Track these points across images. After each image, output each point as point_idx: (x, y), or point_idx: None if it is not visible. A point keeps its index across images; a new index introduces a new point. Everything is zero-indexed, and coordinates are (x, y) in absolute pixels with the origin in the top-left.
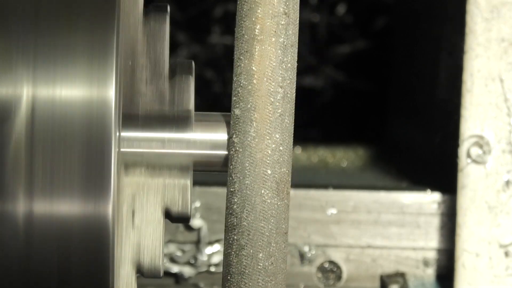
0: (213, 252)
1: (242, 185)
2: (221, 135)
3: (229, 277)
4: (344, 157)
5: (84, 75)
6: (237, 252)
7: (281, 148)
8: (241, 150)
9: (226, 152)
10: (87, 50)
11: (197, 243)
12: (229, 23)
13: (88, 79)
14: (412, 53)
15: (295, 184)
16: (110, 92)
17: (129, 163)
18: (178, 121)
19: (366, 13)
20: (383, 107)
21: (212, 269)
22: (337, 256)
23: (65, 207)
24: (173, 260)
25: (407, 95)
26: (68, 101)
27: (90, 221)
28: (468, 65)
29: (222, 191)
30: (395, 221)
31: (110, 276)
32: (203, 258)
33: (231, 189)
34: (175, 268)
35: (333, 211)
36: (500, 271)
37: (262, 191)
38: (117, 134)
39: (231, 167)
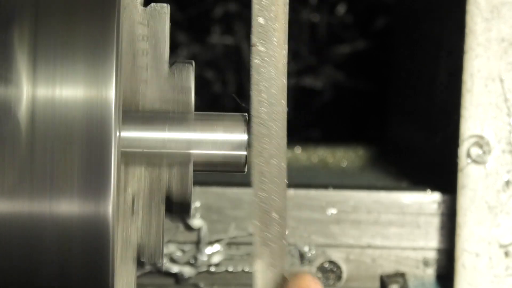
0: (213, 252)
1: (269, 94)
2: (221, 135)
3: (261, 185)
4: (344, 157)
5: (84, 74)
6: (268, 160)
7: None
8: (267, 59)
9: (226, 152)
10: (87, 49)
11: (197, 243)
12: (229, 23)
13: (88, 78)
14: (412, 53)
15: (295, 184)
16: (110, 92)
17: (129, 161)
18: (178, 120)
19: (366, 13)
20: (383, 107)
21: (212, 269)
22: (337, 256)
23: (65, 206)
24: (173, 260)
25: (407, 95)
26: (68, 100)
27: (90, 221)
28: (468, 65)
29: (222, 191)
30: (395, 221)
31: (110, 276)
32: (203, 258)
33: (259, 98)
34: (175, 268)
35: (333, 211)
36: (500, 271)
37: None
38: (117, 133)
39: (256, 76)
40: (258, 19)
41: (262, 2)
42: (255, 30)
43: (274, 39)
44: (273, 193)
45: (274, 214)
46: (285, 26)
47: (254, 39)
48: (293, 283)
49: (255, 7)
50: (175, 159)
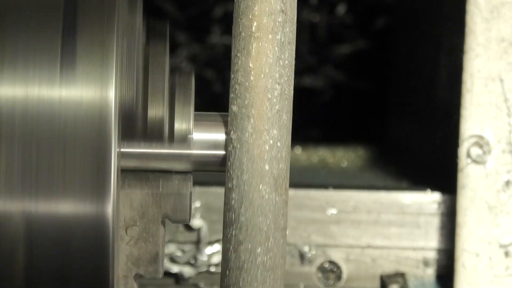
0: (213, 252)
1: (240, 181)
2: (221, 135)
3: (227, 272)
4: (344, 157)
5: (84, 76)
6: (236, 247)
7: (278, 144)
8: (238, 146)
9: (225, 152)
10: (88, 50)
11: (197, 243)
12: (229, 23)
13: (88, 80)
14: (412, 53)
15: (295, 184)
16: (110, 93)
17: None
18: (178, 121)
19: (366, 13)
20: (383, 107)
21: (212, 269)
22: (337, 256)
23: (65, 207)
24: (173, 260)
25: (407, 95)
26: (68, 102)
27: (90, 221)
28: (468, 65)
29: (222, 191)
30: (395, 221)
31: (110, 276)
32: (203, 258)
33: (229, 185)
34: (175, 268)
35: (333, 211)
36: (500, 271)
37: (260, 187)
38: (117, 133)
39: (229, 163)
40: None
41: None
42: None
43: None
44: (239, 278)
45: None
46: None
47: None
48: None
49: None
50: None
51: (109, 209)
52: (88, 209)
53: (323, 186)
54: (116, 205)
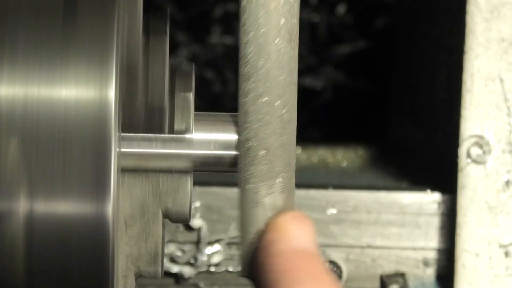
0: (213, 252)
1: (257, 34)
2: (221, 135)
3: (246, 126)
4: (344, 157)
5: (84, 75)
6: (255, 100)
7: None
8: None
9: (226, 152)
10: (88, 49)
11: (197, 243)
12: (229, 23)
13: (88, 79)
14: (412, 53)
15: (295, 184)
16: (110, 92)
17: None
18: (178, 120)
19: (366, 13)
20: (383, 107)
21: (212, 269)
22: (337, 256)
23: (65, 207)
24: (173, 260)
25: (407, 95)
26: (68, 101)
27: (90, 221)
28: (468, 65)
29: (222, 191)
30: (395, 221)
31: (110, 276)
32: (203, 258)
33: (245, 40)
34: (175, 268)
35: (333, 211)
36: (500, 271)
37: (276, 41)
38: (117, 133)
39: (244, 16)
40: None
41: None
42: None
43: None
44: (260, 130)
45: (262, 152)
46: None
47: None
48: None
49: None
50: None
51: (109, 209)
52: (88, 209)
53: (323, 186)
54: (116, 205)
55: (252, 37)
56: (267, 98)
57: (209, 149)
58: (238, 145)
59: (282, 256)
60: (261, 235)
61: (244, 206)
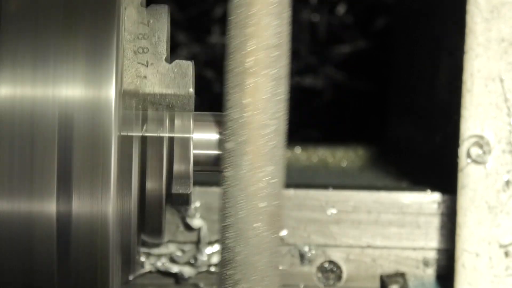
0: (213, 252)
1: (236, 219)
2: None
3: None
4: (344, 157)
5: (84, 73)
6: (234, 287)
7: (273, 181)
8: (234, 184)
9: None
10: (88, 48)
11: (197, 243)
12: None
13: (88, 77)
14: (412, 53)
15: (295, 184)
16: (110, 90)
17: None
18: (178, 120)
19: (366, 13)
20: (383, 107)
21: (212, 269)
22: (337, 256)
23: (65, 207)
24: (173, 260)
25: (407, 95)
26: (68, 101)
27: (90, 221)
28: (468, 65)
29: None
30: (395, 221)
31: (110, 276)
32: (203, 258)
33: (225, 224)
34: (175, 268)
35: (333, 211)
36: (500, 271)
37: (255, 225)
38: (117, 132)
39: (224, 201)
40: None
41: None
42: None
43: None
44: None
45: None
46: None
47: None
48: None
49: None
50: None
51: (109, 209)
52: (88, 209)
53: (323, 186)
54: (116, 205)
55: (231, 222)
56: (244, 285)
57: (209, 149)
58: None
59: None
60: None
61: None
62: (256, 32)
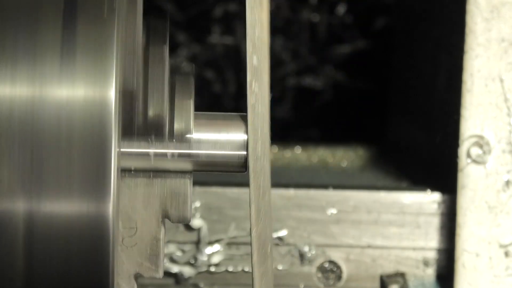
0: (213, 252)
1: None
2: (221, 135)
3: None
4: (344, 157)
5: (84, 75)
6: None
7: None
8: (260, 97)
9: (226, 152)
10: (88, 50)
11: (197, 243)
12: (229, 23)
13: (88, 79)
14: (412, 53)
15: (295, 184)
16: (110, 93)
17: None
18: (178, 120)
19: (366, 13)
20: (383, 107)
21: (212, 269)
22: (337, 256)
23: (65, 207)
24: (173, 260)
25: (407, 95)
26: (68, 101)
27: (90, 221)
28: (468, 65)
29: (222, 191)
30: (395, 221)
31: (110, 276)
32: (203, 258)
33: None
34: (175, 268)
35: (333, 211)
36: (500, 271)
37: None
38: (118, 133)
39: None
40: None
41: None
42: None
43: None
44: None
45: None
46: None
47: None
48: None
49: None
50: (174, 164)
51: (109, 209)
52: (88, 209)
53: (323, 186)
54: (116, 205)
55: None
56: None
57: (209, 149)
58: None
59: None
60: None
61: None
62: None
